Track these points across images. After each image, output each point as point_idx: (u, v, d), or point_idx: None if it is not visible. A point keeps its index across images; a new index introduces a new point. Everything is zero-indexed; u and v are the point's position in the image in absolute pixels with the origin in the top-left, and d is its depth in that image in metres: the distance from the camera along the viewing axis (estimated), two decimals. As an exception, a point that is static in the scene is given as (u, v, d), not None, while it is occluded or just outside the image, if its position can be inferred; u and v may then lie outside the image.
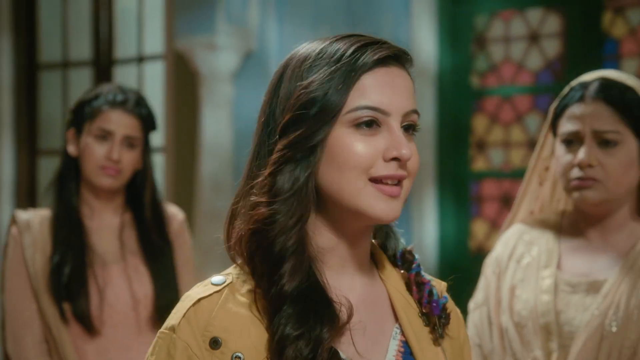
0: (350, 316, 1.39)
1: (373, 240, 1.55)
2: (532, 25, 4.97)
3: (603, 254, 2.28)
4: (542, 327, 2.21)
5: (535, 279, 2.26)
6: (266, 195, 1.40)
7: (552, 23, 4.91)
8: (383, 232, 1.56)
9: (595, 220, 2.29)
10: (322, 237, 1.44)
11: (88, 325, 2.73)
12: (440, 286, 1.57)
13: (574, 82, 2.31)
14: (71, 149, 2.87)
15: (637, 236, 2.28)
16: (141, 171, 2.96)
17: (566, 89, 2.31)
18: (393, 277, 1.52)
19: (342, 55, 1.40)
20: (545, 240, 2.31)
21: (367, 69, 1.40)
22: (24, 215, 2.84)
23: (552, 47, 4.91)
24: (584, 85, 2.26)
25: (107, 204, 2.91)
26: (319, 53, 1.43)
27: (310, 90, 1.39)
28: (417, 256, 1.55)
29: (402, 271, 1.54)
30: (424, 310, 1.49)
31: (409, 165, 1.42)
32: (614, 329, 2.14)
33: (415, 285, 1.51)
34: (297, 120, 1.40)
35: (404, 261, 1.54)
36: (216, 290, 1.41)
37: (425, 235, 5.00)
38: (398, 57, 1.45)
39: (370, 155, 1.39)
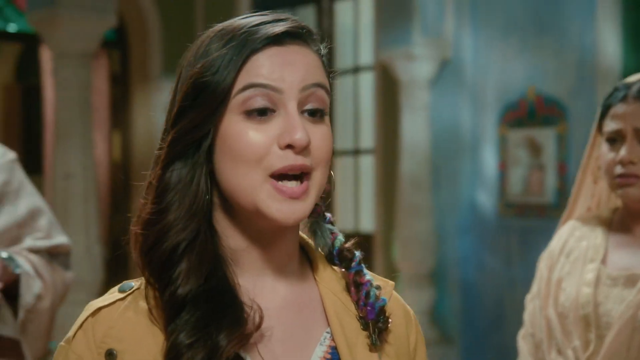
0: (260, 321, 1.18)
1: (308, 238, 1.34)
2: None
3: None
4: (582, 318, 2.16)
5: (580, 273, 2.22)
6: (152, 196, 1.19)
7: None
8: (312, 229, 1.30)
9: None
10: (233, 238, 1.22)
11: None
12: (386, 286, 1.32)
13: (620, 83, 2.25)
14: None
15: None
16: None
17: (611, 90, 2.25)
18: (328, 277, 1.29)
19: (233, 36, 1.18)
20: (594, 236, 2.27)
21: (257, 48, 1.17)
22: None
23: None
24: (628, 86, 2.21)
25: None
26: (213, 36, 1.20)
27: (198, 76, 1.17)
28: (357, 253, 1.30)
29: (342, 270, 1.30)
30: (360, 314, 1.25)
31: (316, 153, 1.17)
32: None
33: (354, 286, 1.27)
34: (185, 111, 1.18)
35: (342, 259, 1.29)
36: (120, 297, 1.21)
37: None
38: (296, 35, 1.20)
39: (263, 143, 1.15)
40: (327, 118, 1.20)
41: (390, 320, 1.26)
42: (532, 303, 2.32)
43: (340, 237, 1.30)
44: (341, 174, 6.77)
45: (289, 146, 1.14)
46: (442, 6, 5.59)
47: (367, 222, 6.53)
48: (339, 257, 1.29)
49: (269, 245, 1.23)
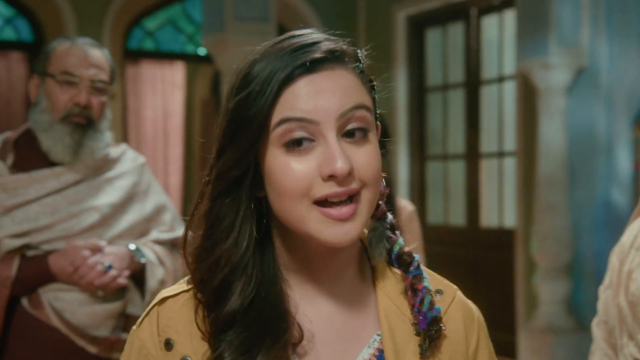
0: (300, 338, 1.09)
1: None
2: None
3: None
4: None
5: None
6: (202, 230, 1.11)
7: None
8: (368, 237, 1.18)
9: None
10: (289, 257, 1.14)
11: None
12: (449, 290, 1.20)
13: None
14: None
15: None
16: None
17: None
18: (387, 281, 1.17)
19: (265, 68, 1.07)
20: None
21: (290, 80, 1.06)
22: None
23: None
24: None
25: None
26: (247, 68, 1.09)
27: (234, 112, 1.08)
28: (416, 257, 1.18)
29: (402, 272, 1.19)
30: (414, 321, 1.14)
31: (362, 174, 1.06)
32: None
33: (411, 290, 1.15)
34: (225, 148, 1.09)
35: (401, 263, 1.18)
36: (185, 289, 1.14)
37: None
38: (328, 59, 1.08)
39: (306, 176, 1.05)
40: (371, 135, 1.08)
41: (443, 328, 1.14)
42: (604, 293, 2.24)
43: (400, 241, 1.19)
44: (486, 174, 6.63)
45: (331, 177, 1.04)
46: (578, 17, 5.37)
47: (510, 219, 6.36)
48: (397, 261, 1.19)
49: (325, 261, 1.13)
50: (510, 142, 6.35)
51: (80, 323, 2.24)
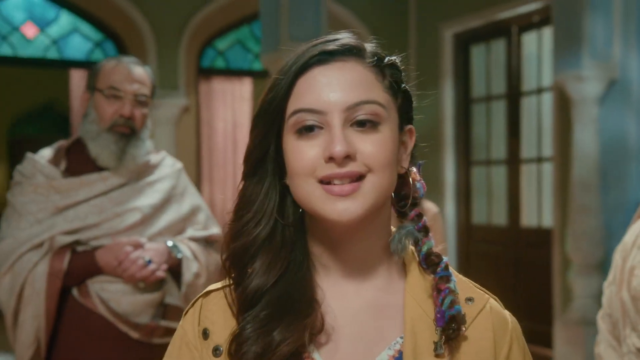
0: (321, 325, 1.05)
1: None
2: None
3: None
4: None
5: None
6: (235, 208, 1.10)
7: None
8: (392, 235, 1.11)
9: None
10: (315, 243, 1.10)
11: None
12: (481, 298, 1.10)
13: None
14: None
15: None
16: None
17: None
18: (416, 283, 1.10)
19: (288, 61, 1.07)
20: None
21: (302, 71, 1.05)
22: None
23: None
24: None
25: None
26: (282, 65, 1.09)
27: (261, 99, 1.08)
28: (444, 259, 1.10)
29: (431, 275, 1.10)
30: (434, 320, 1.06)
31: (367, 159, 1.03)
32: None
33: (436, 291, 1.07)
34: (251, 132, 1.09)
35: (429, 264, 1.10)
36: (227, 283, 1.11)
37: None
38: (342, 51, 1.06)
39: (312, 158, 1.03)
40: (383, 127, 1.05)
41: (463, 329, 1.05)
42: (608, 289, 2.16)
43: (430, 242, 1.11)
44: (526, 178, 6.50)
45: (331, 158, 1.02)
46: (610, 33, 5.21)
47: (547, 219, 6.21)
48: (425, 262, 1.11)
49: (346, 249, 1.09)
50: (548, 148, 6.21)
51: (124, 311, 2.26)
